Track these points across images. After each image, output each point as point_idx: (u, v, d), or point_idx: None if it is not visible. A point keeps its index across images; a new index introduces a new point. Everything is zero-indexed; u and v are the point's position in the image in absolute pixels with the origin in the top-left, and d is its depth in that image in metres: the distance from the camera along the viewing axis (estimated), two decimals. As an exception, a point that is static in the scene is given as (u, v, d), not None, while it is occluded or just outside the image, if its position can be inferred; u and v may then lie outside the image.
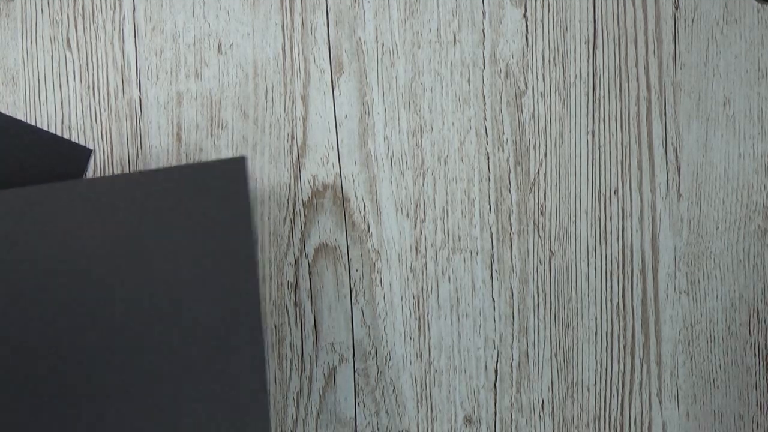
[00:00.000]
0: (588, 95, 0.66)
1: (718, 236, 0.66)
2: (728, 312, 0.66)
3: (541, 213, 0.66)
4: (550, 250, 0.66)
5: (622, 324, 0.67)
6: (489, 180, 0.65)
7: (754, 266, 0.66)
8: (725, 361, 0.67)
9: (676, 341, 0.67)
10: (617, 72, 0.65)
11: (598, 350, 0.67)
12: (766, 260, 0.66)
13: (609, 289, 0.67)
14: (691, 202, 0.66)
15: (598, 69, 0.66)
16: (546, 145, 0.66)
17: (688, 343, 0.67)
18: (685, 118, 0.66)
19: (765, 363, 0.67)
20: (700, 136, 0.66)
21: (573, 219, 0.66)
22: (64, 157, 0.63)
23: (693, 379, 0.67)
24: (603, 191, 0.66)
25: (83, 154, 0.64)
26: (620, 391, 0.67)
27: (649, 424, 0.67)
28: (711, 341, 0.67)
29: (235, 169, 0.60)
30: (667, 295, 0.66)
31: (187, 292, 0.59)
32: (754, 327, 0.66)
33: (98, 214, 0.59)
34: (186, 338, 0.59)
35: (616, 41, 0.65)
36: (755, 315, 0.66)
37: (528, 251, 0.66)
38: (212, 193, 0.60)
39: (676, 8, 0.65)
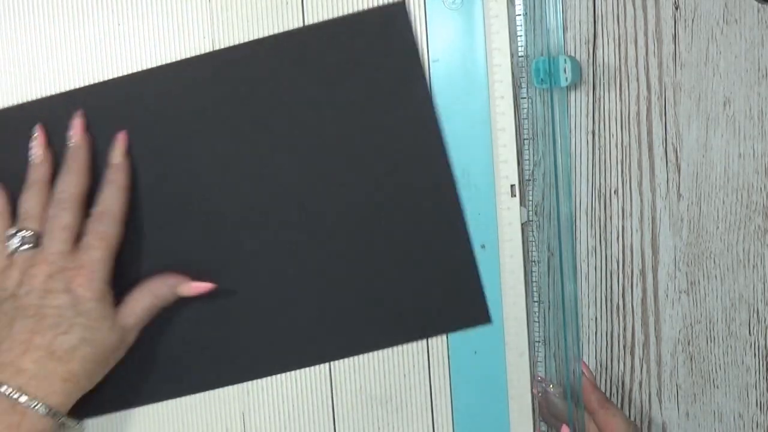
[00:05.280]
0: (588, 95, 0.66)
1: (718, 236, 0.66)
2: (728, 312, 0.67)
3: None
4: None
5: (622, 324, 0.67)
6: (489, 180, 0.65)
7: (754, 266, 0.66)
8: (725, 361, 0.67)
9: (675, 341, 0.67)
10: (617, 72, 0.66)
11: (598, 350, 0.67)
12: (766, 260, 0.66)
13: (609, 289, 0.67)
14: (691, 202, 0.66)
15: (598, 69, 0.66)
16: (546, 145, 0.66)
17: (688, 343, 0.67)
18: (685, 118, 0.66)
19: (765, 363, 0.67)
20: (700, 136, 0.66)
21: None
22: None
23: (693, 378, 0.67)
24: (603, 191, 0.66)
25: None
26: (620, 390, 0.67)
27: (649, 423, 0.67)
28: (711, 341, 0.67)
29: (395, 13, 0.64)
30: (667, 295, 0.67)
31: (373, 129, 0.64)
32: (754, 327, 0.67)
33: (270, 69, 0.64)
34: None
35: (616, 41, 0.65)
36: (755, 315, 0.66)
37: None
38: (377, 40, 0.64)
39: (676, 8, 0.65)
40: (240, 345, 0.65)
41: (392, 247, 0.64)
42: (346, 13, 0.64)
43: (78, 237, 0.60)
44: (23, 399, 0.56)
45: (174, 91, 0.64)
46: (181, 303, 0.63)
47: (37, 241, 0.60)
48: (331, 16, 0.64)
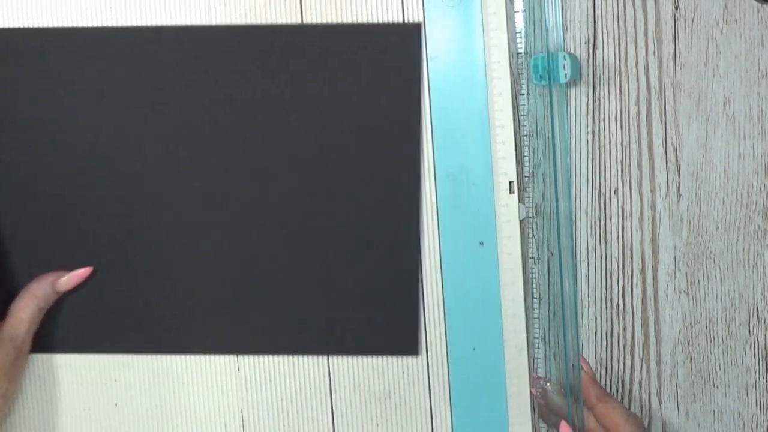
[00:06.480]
0: (588, 95, 0.66)
1: (718, 236, 0.66)
2: (728, 312, 0.66)
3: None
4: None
5: (622, 324, 0.67)
6: (488, 178, 0.65)
7: (754, 266, 0.66)
8: (725, 361, 0.67)
9: (675, 341, 0.67)
10: (617, 72, 0.66)
11: (598, 350, 0.67)
12: (766, 260, 0.66)
13: (609, 289, 0.67)
14: (691, 202, 0.66)
15: (598, 69, 0.66)
16: (546, 145, 0.66)
17: (688, 343, 0.67)
18: (685, 118, 0.66)
19: (765, 363, 0.66)
20: (700, 136, 0.66)
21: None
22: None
23: (692, 378, 0.67)
24: (603, 191, 0.66)
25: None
26: (620, 390, 0.67)
27: (649, 423, 0.67)
28: (710, 341, 0.67)
29: (410, 35, 0.64)
30: (666, 295, 0.66)
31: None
32: (754, 327, 0.66)
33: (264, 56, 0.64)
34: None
35: (616, 41, 0.66)
36: (755, 315, 0.66)
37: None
38: (386, 57, 0.64)
39: (676, 8, 0.65)
40: (181, 317, 0.66)
41: (341, 258, 0.65)
42: (344, 18, 0.64)
43: None
44: None
45: (152, 55, 0.64)
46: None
47: None
48: (330, 20, 0.65)
